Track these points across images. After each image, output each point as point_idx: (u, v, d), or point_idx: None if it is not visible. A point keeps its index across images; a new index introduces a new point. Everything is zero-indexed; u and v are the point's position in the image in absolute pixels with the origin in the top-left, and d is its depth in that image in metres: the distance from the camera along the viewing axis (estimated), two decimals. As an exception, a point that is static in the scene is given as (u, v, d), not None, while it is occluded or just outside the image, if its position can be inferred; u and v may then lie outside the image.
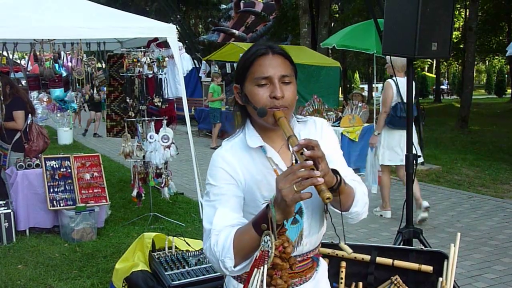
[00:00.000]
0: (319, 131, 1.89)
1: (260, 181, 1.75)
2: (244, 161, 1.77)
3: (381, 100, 6.62)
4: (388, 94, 6.42)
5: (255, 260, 1.53)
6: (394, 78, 6.03)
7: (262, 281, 1.49)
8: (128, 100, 6.55)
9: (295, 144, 1.52)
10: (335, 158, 1.83)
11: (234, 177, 1.74)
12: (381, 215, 6.80)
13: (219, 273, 3.44)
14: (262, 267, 1.50)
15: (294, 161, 1.60)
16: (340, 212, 1.74)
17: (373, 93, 16.47)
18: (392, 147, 6.48)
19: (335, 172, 1.58)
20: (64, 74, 7.70)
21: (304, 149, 1.49)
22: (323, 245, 2.72)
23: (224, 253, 1.59)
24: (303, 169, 1.44)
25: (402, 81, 5.76)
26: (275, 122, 1.69)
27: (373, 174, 6.99)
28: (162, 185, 6.62)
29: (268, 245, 1.49)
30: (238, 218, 1.69)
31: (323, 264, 1.99)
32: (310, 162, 1.45)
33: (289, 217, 1.52)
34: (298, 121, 1.88)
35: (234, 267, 1.59)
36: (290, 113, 1.76)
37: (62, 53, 7.27)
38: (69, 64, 7.11)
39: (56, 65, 7.31)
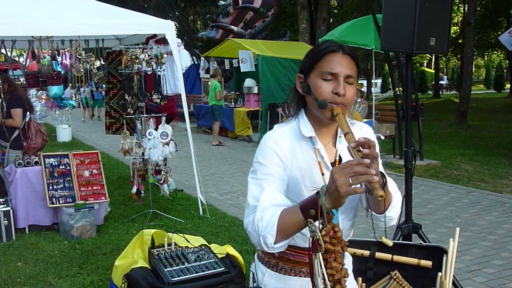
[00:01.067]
0: (364, 135, 1.95)
1: (304, 169, 1.82)
2: (294, 147, 1.83)
3: None
4: None
5: (311, 246, 1.60)
6: None
7: (320, 265, 1.58)
8: (127, 97, 6.54)
9: (352, 140, 1.59)
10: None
11: (283, 160, 1.80)
12: None
13: (218, 269, 3.45)
14: (317, 253, 1.58)
15: (338, 158, 1.81)
16: (375, 213, 1.84)
17: (372, 89, 16.46)
18: None
19: (382, 174, 1.65)
20: (62, 72, 7.69)
21: (361, 147, 1.55)
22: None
23: (268, 229, 1.64)
24: (360, 165, 1.49)
25: None
26: (331, 117, 1.76)
27: None
28: (162, 182, 6.62)
29: (315, 235, 1.55)
30: (284, 200, 1.75)
31: (349, 257, 2.09)
32: (368, 160, 1.51)
33: (338, 206, 1.57)
34: None
35: (274, 243, 1.65)
36: (347, 112, 1.81)
37: (60, 51, 7.25)
38: (67, 61, 7.10)
39: (54, 62, 7.30)
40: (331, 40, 1.86)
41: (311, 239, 1.58)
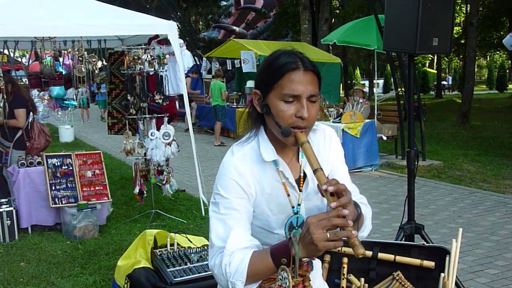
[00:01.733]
0: (328, 141, 1.87)
1: (269, 194, 1.72)
2: (256, 173, 1.71)
3: None
4: None
5: None
6: None
7: None
8: (129, 98, 6.54)
9: (324, 182, 1.50)
10: (341, 172, 1.85)
11: (246, 191, 1.69)
12: None
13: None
14: None
15: (302, 174, 1.71)
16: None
17: (374, 89, 16.46)
18: None
19: (355, 204, 1.59)
20: (64, 72, 7.70)
21: (330, 187, 1.47)
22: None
23: (237, 276, 1.57)
24: (337, 218, 1.43)
25: None
26: (295, 143, 1.65)
27: None
28: (164, 182, 6.63)
29: (286, 283, 1.50)
30: (252, 241, 1.66)
31: (317, 264, 1.96)
32: (346, 211, 1.44)
33: (316, 256, 1.51)
34: None
35: None
36: (309, 131, 1.72)
37: (62, 52, 7.26)
38: (70, 62, 7.10)
39: (56, 63, 7.30)
40: (289, 52, 1.69)
41: (276, 286, 1.52)
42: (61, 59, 7.11)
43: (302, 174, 1.77)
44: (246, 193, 1.69)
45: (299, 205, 1.73)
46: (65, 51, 7.10)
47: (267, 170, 1.73)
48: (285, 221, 1.69)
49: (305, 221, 1.49)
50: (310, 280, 1.60)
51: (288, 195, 1.72)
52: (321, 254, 1.51)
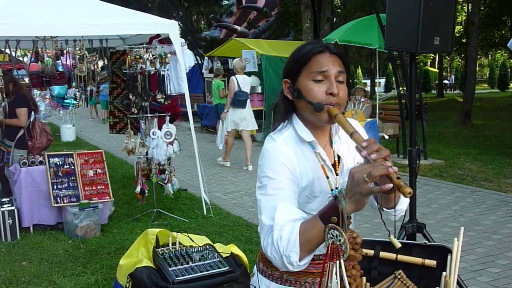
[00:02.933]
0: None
1: (311, 175, 1.77)
2: (299, 155, 1.77)
3: (228, 89, 10.07)
4: (231, 86, 9.75)
5: (328, 254, 1.53)
6: (235, 76, 9.90)
7: (342, 275, 1.51)
8: (130, 97, 6.55)
9: (361, 141, 1.53)
10: None
11: (293, 172, 1.73)
12: (222, 164, 10.30)
13: (223, 269, 3.45)
14: (338, 261, 1.51)
15: (337, 159, 1.80)
16: (385, 209, 1.80)
17: (376, 88, 16.44)
18: (234, 119, 9.82)
19: None
20: (65, 71, 7.69)
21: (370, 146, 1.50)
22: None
23: (290, 247, 1.56)
24: (379, 164, 1.45)
25: (240, 78, 9.87)
26: (329, 119, 1.71)
27: (221, 137, 10.31)
28: (165, 181, 6.64)
29: (339, 240, 1.49)
30: (300, 213, 1.67)
31: None
32: (388, 163, 1.47)
33: (361, 209, 1.52)
34: None
35: (299, 260, 1.58)
36: (341, 112, 1.76)
37: (65, 51, 7.26)
38: (70, 61, 7.10)
39: (58, 62, 7.30)
40: (314, 41, 1.83)
41: (330, 246, 1.51)
42: (63, 59, 7.11)
43: (336, 159, 1.83)
44: (292, 174, 1.73)
45: (336, 188, 1.77)
46: (66, 50, 7.10)
47: (306, 153, 1.79)
48: (324, 203, 1.68)
49: (348, 173, 1.51)
50: (357, 233, 1.60)
51: (327, 178, 1.76)
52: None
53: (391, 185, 1.43)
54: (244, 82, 9.93)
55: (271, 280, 1.87)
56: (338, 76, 1.73)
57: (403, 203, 1.82)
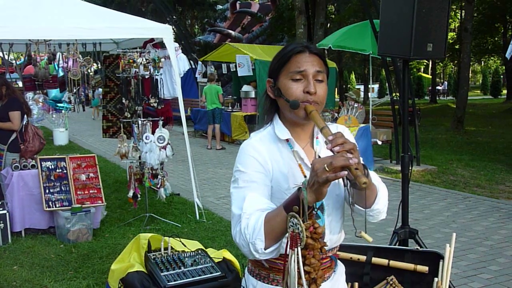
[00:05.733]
0: None
1: (286, 173, 1.79)
2: (273, 152, 1.81)
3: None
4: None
5: (288, 242, 1.56)
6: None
7: (298, 262, 1.54)
8: (124, 101, 6.54)
9: (329, 134, 1.57)
10: None
11: (264, 166, 1.78)
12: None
13: (215, 274, 3.45)
14: (296, 249, 1.54)
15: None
16: (362, 209, 1.80)
17: (369, 94, 16.50)
18: None
19: (363, 166, 1.63)
20: (61, 74, 7.68)
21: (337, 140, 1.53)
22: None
23: (255, 235, 1.61)
24: (341, 156, 1.48)
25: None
26: (306, 116, 1.74)
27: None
28: (158, 186, 6.62)
29: (298, 228, 1.52)
30: (268, 203, 1.72)
31: (341, 266, 2.03)
32: (350, 155, 1.50)
33: (320, 198, 1.55)
34: None
35: (265, 249, 1.62)
36: (320, 111, 1.80)
37: (59, 54, 7.24)
38: (69, 63, 7.09)
39: (52, 65, 7.29)
40: (296, 42, 1.88)
41: (289, 234, 1.55)
42: (60, 61, 7.09)
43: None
44: (264, 168, 1.78)
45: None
46: (62, 54, 7.09)
47: (283, 151, 1.83)
48: None
49: (311, 163, 1.55)
50: (319, 224, 1.60)
51: (305, 177, 1.76)
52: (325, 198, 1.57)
53: (346, 172, 1.47)
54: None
55: (258, 279, 1.88)
56: (316, 76, 1.77)
57: (380, 202, 1.82)
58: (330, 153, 1.63)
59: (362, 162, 1.62)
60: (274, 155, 1.81)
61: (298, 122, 1.82)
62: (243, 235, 1.64)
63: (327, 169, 1.46)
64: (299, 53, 1.78)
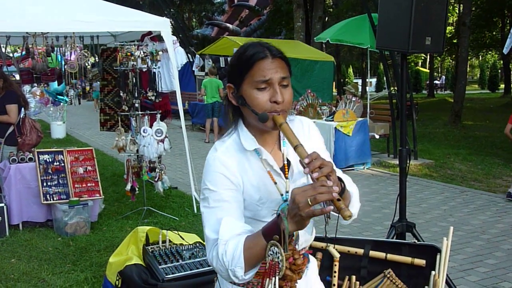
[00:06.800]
0: (306, 131, 1.90)
1: (257, 183, 1.74)
2: (241, 162, 1.74)
3: None
4: None
5: (266, 270, 1.54)
6: None
7: None
8: (121, 94, 6.52)
9: (304, 155, 1.52)
10: (324, 157, 1.84)
11: (233, 181, 1.71)
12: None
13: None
14: (273, 278, 1.52)
15: (286, 162, 1.74)
16: (335, 213, 1.73)
17: (367, 88, 16.50)
18: None
19: (339, 178, 1.61)
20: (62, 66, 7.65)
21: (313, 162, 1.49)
22: (317, 238, 2.73)
23: (235, 263, 1.58)
24: (322, 186, 1.44)
25: None
26: (274, 126, 1.69)
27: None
28: (156, 179, 6.61)
29: (278, 257, 1.50)
30: (244, 227, 1.67)
31: (313, 261, 2.01)
32: (330, 182, 1.46)
33: (302, 228, 1.53)
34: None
35: (244, 274, 1.59)
36: (287, 115, 1.75)
37: (62, 47, 7.20)
38: (67, 56, 7.07)
39: (50, 58, 7.26)
40: (256, 43, 1.75)
41: (269, 263, 1.52)
42: (53, 54, 7.06)
43: (286, 162, 1.80)
44: (233, 184, 1.71)
45: (287, 192, 1.74)
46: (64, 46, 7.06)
47: (251, 160, 1.76)
48: (275, 209, 1.69)
49: (290, 193, 1.51)
50: (299, 252, 1.60)
51: (275, 183, 1.74)
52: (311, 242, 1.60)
53: (332, 207, 1.45)
54: None
55: (233, 283, 1.81)
56: (282, 82, 1.70)
57: (353, 208, 1.78)
58: (298, 157, 1.61)
59: (337, 174, 1.59)
60: (243, 166, 1.74)
61: (265, 130, 1.76)
62: (221, 261, 1.61)
63: (310, 203, 1.43)
64: (262, 59, 1.69)
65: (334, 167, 1.67)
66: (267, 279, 1.53)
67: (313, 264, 1.99)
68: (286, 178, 1.78)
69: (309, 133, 1.90)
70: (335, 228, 1.68)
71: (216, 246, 1.63)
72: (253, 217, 1.74)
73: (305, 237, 1.84)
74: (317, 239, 2.74)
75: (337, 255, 1.72)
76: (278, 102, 1.67)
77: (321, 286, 2.03)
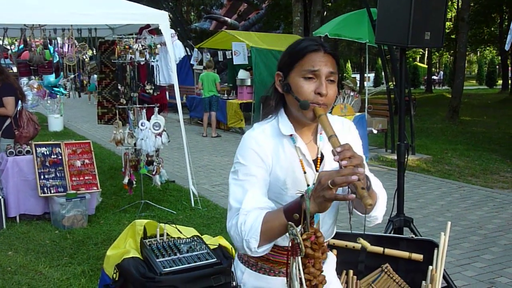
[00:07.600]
0: (346, 129, 1.92)
1: (286, 168, 1.78)
2: (275, 145, 1.79)
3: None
4: None
5: (289, 249, 1.57)
6: None
7: (299, 270, 1.56)
8: (119, 87, 6.50)
9: (337, 145, 1.54)
10: None
11: (264, 160, 1.76)
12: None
13: (210, 260, 3.45)
14: (296, 257, 1.55)
15: (320, 156, 1.79)
16: (361, 214, 1.79)
17: (365, 83, 16.49)
18: None
19: (366, 176, 1.61)
20: (57, 59, 7.61)
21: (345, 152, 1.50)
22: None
23: (251, 234, 1.62)
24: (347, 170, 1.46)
25: None
26: (314, 118, 1.72)
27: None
28: (154, 173, 6.61)
29: (297, 239, 1.52)
30: (267, 202, 1.71)
31: (331, 256, 2.03)
32: (361, 169, 1.48)
33: (324, 211, 1.55)
34: None
35: (258, 247, 1.63)
36: (327, 111, 1.77)
37: (58, 39, 7.17)
38: (64, 49, 7.03)
39: (48, 51, 7.22)
40: (311, 38, 1.82)
41: (291, 242, 1.54)
42: (51, 47, 7.02)
43: (319, 156, 1.84)
44: (264, 162, 1.76)
45: (314, 184, 1.75)
46: (56, 39, 7.03)
47: (286, 145, 1.80)
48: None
49: (318, 174, 1.54)
50: (321, 232, 1.61)
51: (305, 172, 1.77)
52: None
53: (354, 195, 1.48)
54: None
55: (247, 266, 1.90)
56: (329, 76, 1.73)
57: (378, 210, 1.81)
58: (332, 154, 1.62)
59: (366, 173, 1.62)
60: (276, 149, 1.79)
61: (304, 121, 1.79)
62: (239, 230, 1.65)
63: (330, 186, 1.45)
64: (314, 51, 1.73)
65: (366, 167, 1.69)
66: (291, 257, 1.57)
67: (331, 259, 2.02)
68: (317, 170, 1.81)
69: (349, 132, 1.92)
70: (363, 225, 1.76)
71: (237, 215, 1.69)
72: (276, 199, 1.77)
73: (323, 232, 1.84)
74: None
75: (368, 246, 1.75)
76: (322, 94, 1.71)
77: (337, 283, 2.05)
